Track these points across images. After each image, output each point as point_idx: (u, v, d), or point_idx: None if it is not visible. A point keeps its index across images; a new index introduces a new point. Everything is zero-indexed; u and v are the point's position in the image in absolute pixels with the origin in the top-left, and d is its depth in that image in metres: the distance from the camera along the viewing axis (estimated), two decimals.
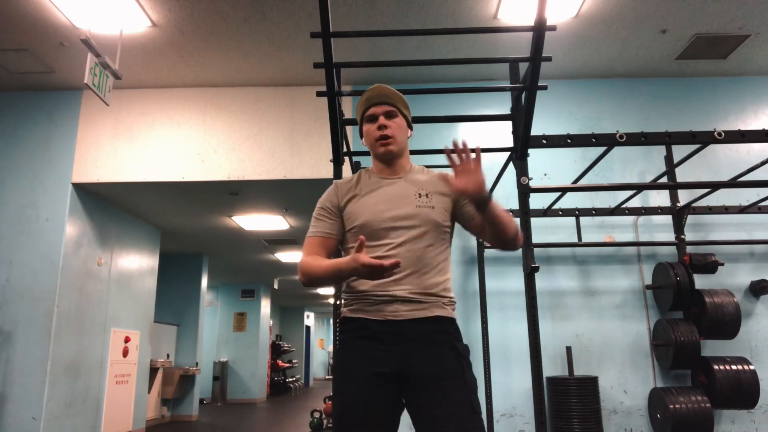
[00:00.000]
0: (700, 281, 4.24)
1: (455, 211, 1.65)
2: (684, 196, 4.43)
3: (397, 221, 1.56)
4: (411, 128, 1.74)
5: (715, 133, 2.74)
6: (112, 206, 5.71)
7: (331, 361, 16.86)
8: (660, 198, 4.57)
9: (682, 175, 4.44)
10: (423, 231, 1.56)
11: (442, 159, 4.38)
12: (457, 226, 1.70)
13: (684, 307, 4.11)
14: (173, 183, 4.93)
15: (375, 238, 1.56)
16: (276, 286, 11.98)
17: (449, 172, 1.71)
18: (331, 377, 6.34)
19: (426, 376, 1.48)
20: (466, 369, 1.51)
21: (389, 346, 1.50)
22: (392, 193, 1.61)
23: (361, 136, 1.72)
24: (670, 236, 4.40)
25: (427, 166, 1.78)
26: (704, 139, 2.82)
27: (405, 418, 1.52)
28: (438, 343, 1.52)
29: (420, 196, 1.61)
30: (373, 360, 1.50)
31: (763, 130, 2.78)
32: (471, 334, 4.32)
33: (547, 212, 4.26)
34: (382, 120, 1.64)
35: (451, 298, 1.61)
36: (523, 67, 2.62)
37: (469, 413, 1.45)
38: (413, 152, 3.96)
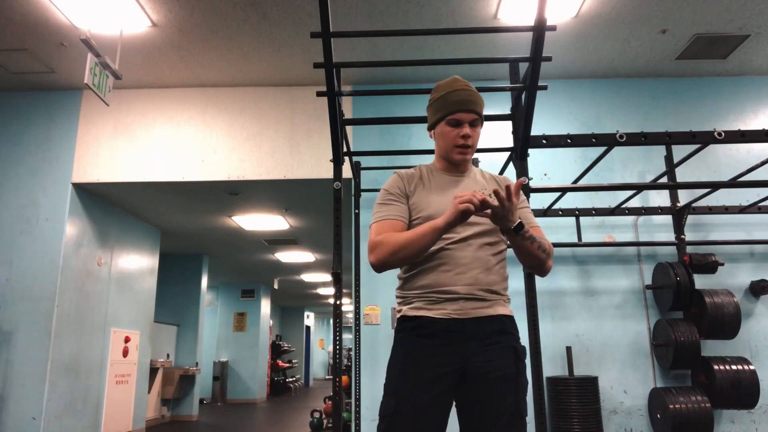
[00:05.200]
0: (700, 281, 4.24)
1: None
2: (684, 196, 4.43)
3: None
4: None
5: (715, 133, 2.75)
6: (112, 206, 5.71)
7: (331, 361, 16.85)
8: (660, 198, 4.57)
9: (682, 175, 4.44)
10: (484, 229, 1.56)
11: None
12: None
13: (684, 307, 4.11)
14: (173, 183, 4.93)
15: None
16: (276, 286, 11.98)
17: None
18: (331, 377, 6.32)
19: (483, 376, 1.48)
20: (521, 372, 1.52)
21: (450, 345, 1.50)
22: (458, 188, 1.63)
23: (431, 128, 1.69)
24: (670, 236, 4.40)
25: None
26: (704, 139, 2.82)
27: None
28: (498, 344, 1.52)
29: None
30: (433, 359, 1.49)
31: (763, 130, 2.78)
32: None
33: (547, 212, 4.26)
34: (467, 129, 1.61)
35: (508, 296, 1.62)
36: (523, 67, 2.62)
37: (515, 417, 1.47)
38: (414, 152, 3.98)
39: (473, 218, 1.49)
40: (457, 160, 1.64)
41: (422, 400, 1.46)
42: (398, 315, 1.61)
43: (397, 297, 1.64)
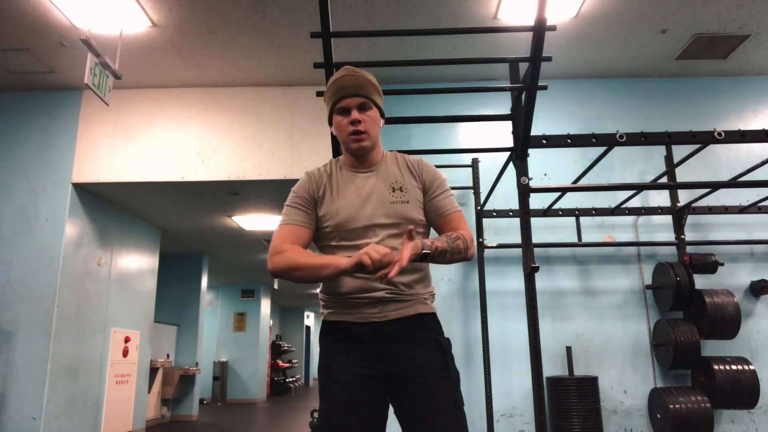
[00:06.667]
0: (700, 281, 4.24)
1: (424, 202, 1.61)
2: (684, 196, 4.43)
3: (372, 219, 1.53)
4: (383, 117, 1.64)
5: (715, 133, 2.74)
6: (112, 206, 5.71)
7: None
8: (660, 198, 4.57)
9: (682, 175, 4.44)
10: (399, 229, 1.53)
11: (442, 159, 4.38)
12: None
13: (684, 307, 4.11)
14: (173, 183, 4.93)
15: (350, 238, 1.54)
16: (276, 286, 11.95)
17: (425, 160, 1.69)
18: None
19: (411, 375, 1.48)
20: (450, 365, 1.52)
21: (373, 348, 1.50)
22: (365, 190, 1.57)
23: (330, 124, 1.63)
24: (670, 236, 4.40)
25: None
26: (704, 139, 2.82)
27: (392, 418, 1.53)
28: (422, 341, 1.52)
29: (394, 191, 1.57)
30: (357, 362, 1.49)
31: (763, 130, 2.78)
32: (471, 334, 4.32)
33: (547, 212, 4.26)
34: (355, 114, 1.55)
35: (431, 291, 1.60)
36: (523, 67, 2.62)
37: (453, 409, 1.47)
38: (414, 152, 3.98)
39: (384, 220, 1.51)
40: (354, 149, 1.57)
41: (350, 404, 1.46)
42: (322, 319, 1.61)
43: (320, 300, 1.61)
